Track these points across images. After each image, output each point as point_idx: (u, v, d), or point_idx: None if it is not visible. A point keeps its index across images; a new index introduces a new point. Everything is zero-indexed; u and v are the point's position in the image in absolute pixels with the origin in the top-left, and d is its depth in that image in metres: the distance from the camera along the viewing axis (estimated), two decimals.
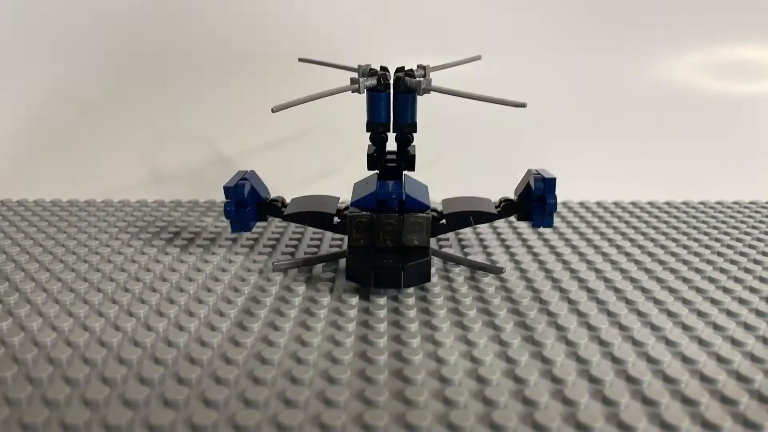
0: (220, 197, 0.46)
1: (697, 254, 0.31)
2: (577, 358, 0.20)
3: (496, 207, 0.28)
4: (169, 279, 0.26)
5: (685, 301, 0.24)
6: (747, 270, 0.28)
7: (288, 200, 0.30)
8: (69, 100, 0.49)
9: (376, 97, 0.25)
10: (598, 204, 0.42)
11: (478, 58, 0.32)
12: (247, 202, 0.27)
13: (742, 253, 0.31)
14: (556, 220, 0.37)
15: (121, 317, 0.23)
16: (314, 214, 0.28)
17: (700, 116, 0.49)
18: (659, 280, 0.27)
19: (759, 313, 0.24)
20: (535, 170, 0.27)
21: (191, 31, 0.50)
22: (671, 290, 0.26)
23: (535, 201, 0.26)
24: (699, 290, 0.26)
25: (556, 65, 0.50)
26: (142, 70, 0.50)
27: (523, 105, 0.22)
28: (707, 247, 0.32)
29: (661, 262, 0.29)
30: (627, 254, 0.31)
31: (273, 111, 0.24)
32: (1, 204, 0.42)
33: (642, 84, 0.50)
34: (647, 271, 0.28)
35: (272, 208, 0.29)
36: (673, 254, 0.31)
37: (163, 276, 0.27)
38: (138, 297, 0.25)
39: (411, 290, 0.26)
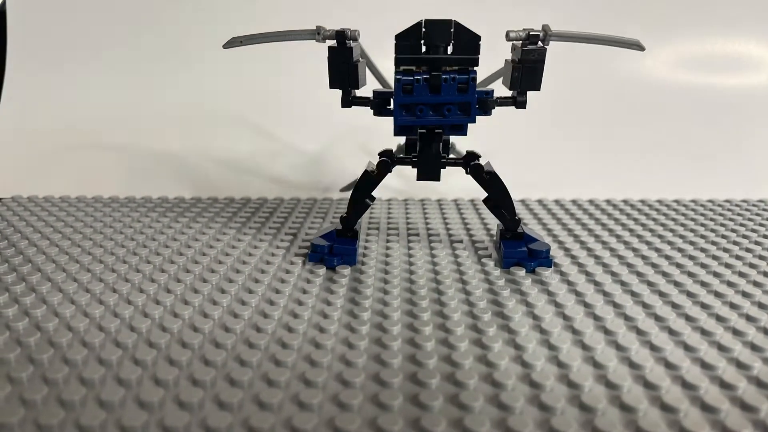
0: (224, 193, 0.45)
1: (715, 257, 0.29)
2: (593, 362, 0.19)
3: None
4: (183, 280, 0.26)
5: (704, 306, 0.24)
6: (767, 274, 0.27)
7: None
8: (74, 97, 0.49)
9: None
10: (608, 202, 0.41)
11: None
12: (334, 251, 0.28)
13: (761, 257, 0.30)
14: (568, 220, 0.36)
15: (136, 318, 0.22)
16: (369, 174, 0.28)
17: (694, 113, 0.48)
18: (677, 284, 0.26)
19: None
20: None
21: (193, 22, 0.49)
22: (689, 294, 0.25)
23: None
24: (718, 294, 0.25)
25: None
26: (143, 64, 0.49)
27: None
28: (726, 250, 0.31)
29: (678, 266, 0.28)
30: (644, 257, 0.29)
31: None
32: (12, 200, 0.41)
33: (640, 81, 0.49)
34: (665, 274, 0.27)
35: (346, 223, 0.29)
36: (691, 257, 0.29)
37: (178, 277, 0.26)
38: (153, 298, 0.24)
39: (424, 292, 0.25)
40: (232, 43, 0.27)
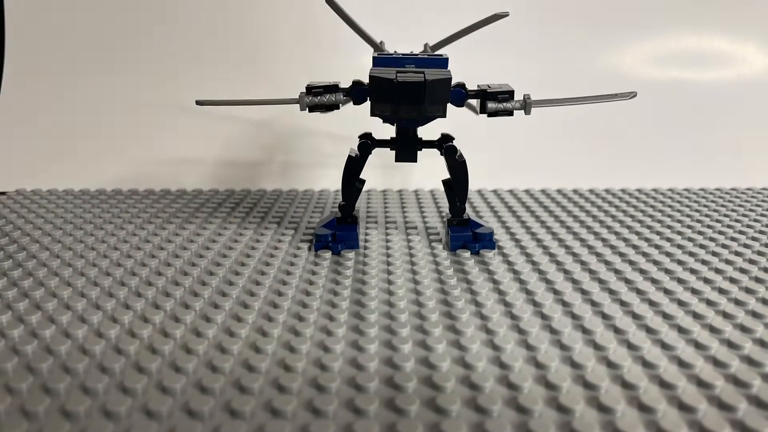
0: (224, 186, 0.44)
1: (694, 254, 0.30)
2: (571, 363, 0.19)
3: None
4: (182, 283, 0.25)
5: (681, 303, 0.24)
6: (743, 270, 0.28)
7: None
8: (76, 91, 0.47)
9: None
10: (591, 191, 0.42)
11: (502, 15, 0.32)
12: (338, 238, 0.30)
13: (737, 252, 0.30)
14: (543, 212, 0.37)
15: (136, 323, 0.21)
16: (353, 159, 0.29)
17: (670, 106, 0.50)
18: (654, 281, 0.26)
19: (756, 315, 0.23)
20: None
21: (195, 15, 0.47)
22: (666, 291, 0.25)
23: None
24: (694, 291, 0.25)
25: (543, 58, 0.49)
26: (149, 56, 0.47)
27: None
28: (711, 239, 0.32)
29: (656, 263, 0.29)
30: (621, 254, 0.30)
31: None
32: (17, 193, 0.40)
33: (619, 77, 0.50)
34: (642, 271, 0.27)
35: (345, 210, 0.30)
36: (668, 254, 0.30)
37: (176, 280, 0.25)
38: (152, 302, 0.23)
39: (401, 292, 0.24)
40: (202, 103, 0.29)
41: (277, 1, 0.48)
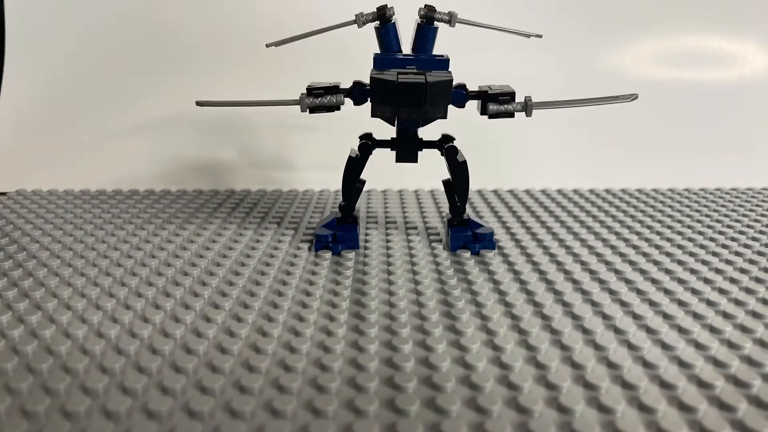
0: (224, 186, 0.44)
1: (694, 253, 0.30)
2: (571, 363, 0.19)
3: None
4: (182, 283, 0.25)
5: (681, 303, 0.24)
6: (744, 270, 0.28)
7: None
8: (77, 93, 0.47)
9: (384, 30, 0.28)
10: (591, 191, 0.42)
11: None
12: (338, 238, 0.30)
13: (737, 252, 0.30)
14: (543, 212, 0.37)
15: (137, 323, 0.22)
16: (353, 159, 0.29)
17: (671, 106, 0.50)
18: (654, 281, 0.26)
19: (756, 315, 0.23)
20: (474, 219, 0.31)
21: (202, 13, 0.47)
22: (666, 291, 0.25)
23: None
24: (694, 291, 0.25)
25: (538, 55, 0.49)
26: (149, 56, 0.47)
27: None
28: (712, 239, 0.32)
29: (656, 263, 0.28)
30: (621, 254, 0.30)
31: (267, 46, 0.28)
32: (17, 194, 0.40)
33: (619, 76, 0.50)
34: (642, 271, 0.27)
35: (345, 210, 0.30)
36: (668, 254, 0.30)
37: (176, 280, 0.25)
38: (152, 302, 0.23)
39: (402, 292, 0.25)
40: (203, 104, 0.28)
41: (278, 1, 0.48)
